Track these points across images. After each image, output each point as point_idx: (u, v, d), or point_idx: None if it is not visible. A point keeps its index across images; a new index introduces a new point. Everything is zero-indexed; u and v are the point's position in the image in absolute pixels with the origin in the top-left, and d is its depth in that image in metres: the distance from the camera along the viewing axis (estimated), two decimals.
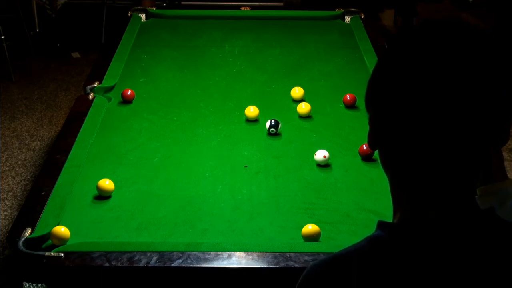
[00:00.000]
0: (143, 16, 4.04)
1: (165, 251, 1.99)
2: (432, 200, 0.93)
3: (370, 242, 0.95)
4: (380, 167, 1.01)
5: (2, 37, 5.12)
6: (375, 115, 0.96)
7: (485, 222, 0.94)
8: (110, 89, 3.13)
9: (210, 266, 1.96)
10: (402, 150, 0.93)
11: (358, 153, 2.61)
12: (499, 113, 0.91)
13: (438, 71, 0.88)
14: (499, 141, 0.94)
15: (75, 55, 5.64)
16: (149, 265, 1.94)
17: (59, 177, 2.40)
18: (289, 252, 1.99)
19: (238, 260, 1.98)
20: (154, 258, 1.96)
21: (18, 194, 3.77)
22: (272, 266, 1.95)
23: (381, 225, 0.96)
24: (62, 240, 2.05)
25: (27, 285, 1.93)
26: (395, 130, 0.93)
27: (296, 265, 1.93)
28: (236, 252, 2.00)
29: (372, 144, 0.98)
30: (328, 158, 2.55)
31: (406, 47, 0.93)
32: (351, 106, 3.03)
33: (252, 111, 2.91)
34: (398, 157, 0.95)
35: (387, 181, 1.00)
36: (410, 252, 0.92)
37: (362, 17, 3.99)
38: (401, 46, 0.94)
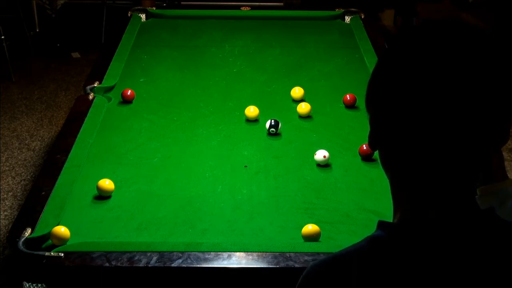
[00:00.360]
0: (143, 16, 4.04)
1: (165, 251, 1.99)
2: (432, 200, 0.93)
3: (370, 242, 0.95)
4: (380, 167, 1.01)
5: (2, 37, 5.12)
6: (375, 115, 0.96)
7: (485, 222, 0.94)
8: (110, 89, 3.13)
9: (210, 266, 1.96)
10: (402, 150, 0.93)
11: (358, 153, 2.61)
12: (499, 113, 0.91)
13: (438, 71, 0.88)
14: (499, 141, 0.94)
15: (75, 55, 5.64)
16: (149, 265, 1.94)
17: (59, 177, 2.40)
18: (289, 252, 1.99)
19: (238, 260, 1.98)
20: (154, 258, 1.96)
21: (18, 194, 3.77)
22: (272, 266, 1.95)
23: (381, 225, 0.96)
24: (62, 240, 2.05)
25: (27, 285, 1.93)
26: (395, 130, 0.93)
27: (296, 265, 1.93)
28: (236, 252, 2.00)
29: (372, 144, 0.99)
30: (328, 158, 2.55)
31: (406, 47, 0.93)
32: (351, 106, 3.03)
33: (252, 111, 2.90)
34: (398, 157, 0.95)
35: (387, 181, 1.00)
36: (410, 252, 0.92)
37: (362, 17, 3.98)
38: (401, 46, 0.94)
